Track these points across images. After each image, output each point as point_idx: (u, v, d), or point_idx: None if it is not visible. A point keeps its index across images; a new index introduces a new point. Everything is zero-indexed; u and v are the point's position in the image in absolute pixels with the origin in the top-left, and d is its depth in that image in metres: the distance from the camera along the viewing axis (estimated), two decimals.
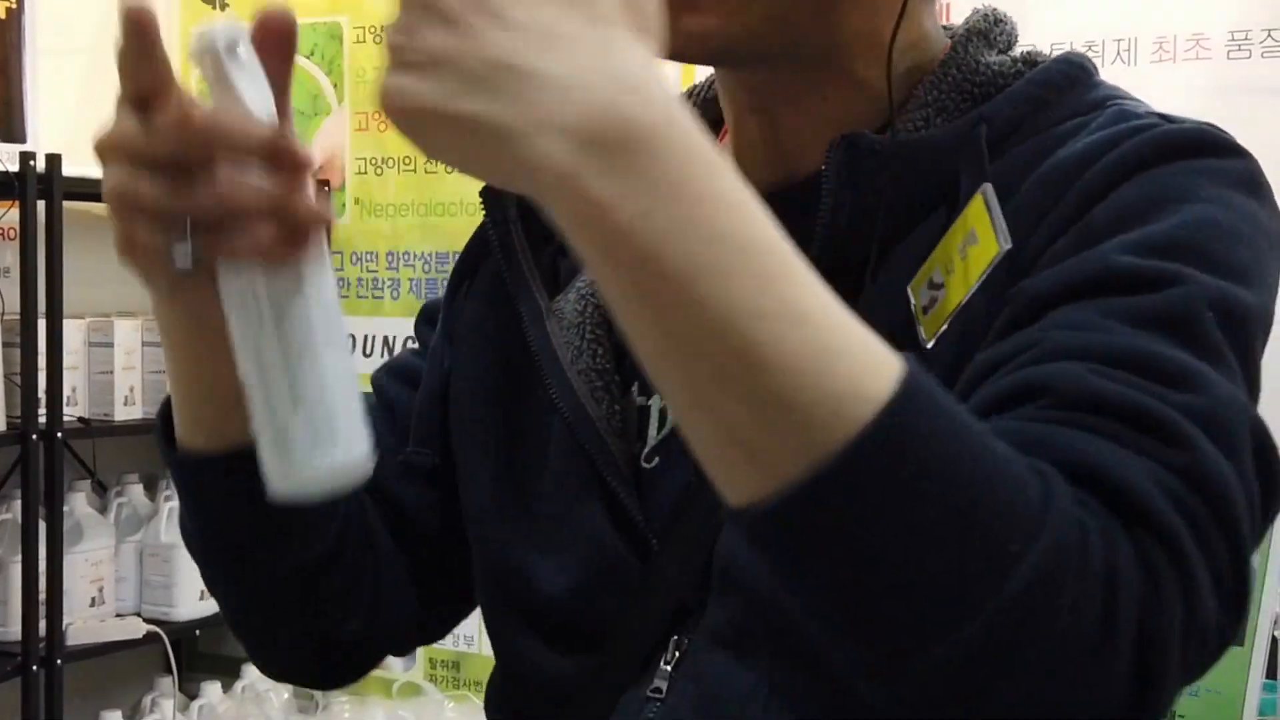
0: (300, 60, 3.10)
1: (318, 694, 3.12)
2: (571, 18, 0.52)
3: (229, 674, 3.10)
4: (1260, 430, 0.61)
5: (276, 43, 0.64)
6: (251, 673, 3.10)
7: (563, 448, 0.75)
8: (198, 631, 3.03)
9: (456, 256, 0.91)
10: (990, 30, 0.78)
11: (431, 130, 0.52)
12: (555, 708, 0.77)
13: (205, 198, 0.60)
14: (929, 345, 0.67)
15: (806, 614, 0.55)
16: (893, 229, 0.71)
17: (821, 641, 0.56)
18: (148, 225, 0.62)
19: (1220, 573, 0.57)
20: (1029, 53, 0.77)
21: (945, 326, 0.66)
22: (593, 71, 0.51)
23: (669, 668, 0.73)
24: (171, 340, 0.71)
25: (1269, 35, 2.60)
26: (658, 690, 0.73)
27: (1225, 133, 0.70)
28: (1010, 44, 0.79)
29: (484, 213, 0.83)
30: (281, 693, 3.13)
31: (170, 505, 2.94)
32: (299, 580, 0.79)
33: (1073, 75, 0.75)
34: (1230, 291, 0.62)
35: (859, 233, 0.70)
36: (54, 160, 2.68)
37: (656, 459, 0.76)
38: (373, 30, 3.26)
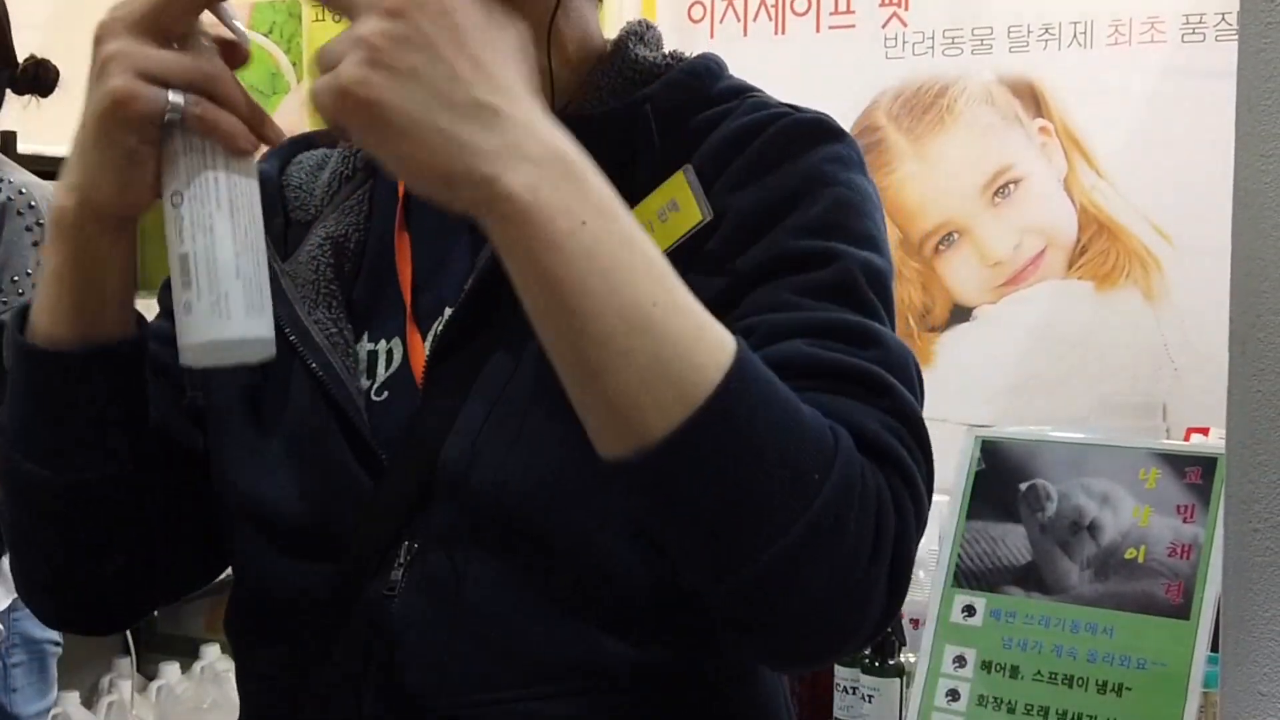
0: (259, 38, 3.10)
1: None
2: (521, 78, 0.69)
3: (187, 655, 3.09)
4: (913, 355, 0.82)
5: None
6: (210, 653, 3.09)
7: (302, 387, 0.87)
8: (155, 612, 3.02)
9: None
10: (645, 33, 0.95)
11: (394, 132, 0.64)
12: (301, 613, 0.87)
13: (209, 68, 0.74)
14: None
15: (667, 534, 0.73)
16: None
17: (678, 551, 0.73)
18: (150, 82, 0.74)
19: (926, 480, 0.77)
20: (675, 51, 0.94)
21: None
22: (540, 118, 0.68)
23: (402, 567, 0.84)
24: (89, 223, 0.80)
25: (1222, 19, 2.63)
26: (393, 587, 0.84)
27: (834, 120, 0.89)
28: (660, 44, 0.96)
29: None
30: None
31: None
32: (99, 487, 0.87)
33: (711, 69, 0.92)
34: (870, 259, 0.82)
35: None
36: (9, 137, 2.66)
37: (386, 393, 0.88)
38: None
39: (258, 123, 0.75)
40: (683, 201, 0.81)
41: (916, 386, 0.81)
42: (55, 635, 2.37)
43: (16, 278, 2.13)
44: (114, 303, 0.83)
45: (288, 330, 0.89)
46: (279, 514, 0.88)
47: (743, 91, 0.91)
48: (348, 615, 0.85)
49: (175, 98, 0.73)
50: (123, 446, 0.87)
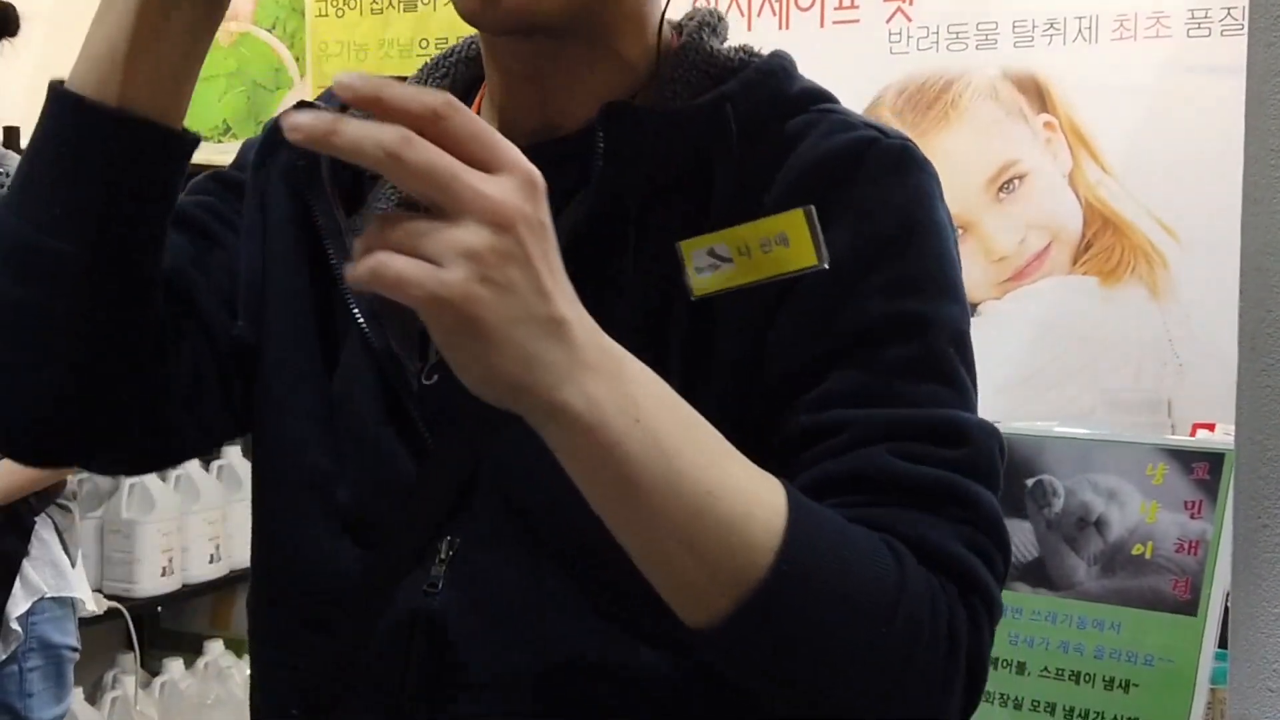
0: (261, 33, 3.09)
1: None
2: (577, 301, 0.68)
3: (191, 650, 3.09)
4: (996, 433, 0.83)
5: None
6: (214, 649, 3.10)
7: (355, 356, 0.83)
8: (159, 608, 3.02)
9: None
10: (716, 24, 0.94)
11: (480, 345, 0.64)
12: (335, 600, 0.85)
13: None
14: (694, 298, 0.81)
15: (747, 686, 0.76)
16: (651, 189, 0.84)
17: (764, 700, 0.77)
18: None
19: (1000, 575, 0.79)
20: (745, 46, 0.92)
21: (720, 291, 0.81)
22: (591, 323, 0.68)
23: (443, 564, 0.82)
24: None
25: (1228, 14, 2.62)
26: (434, 584, 0.82)
27: (915, 145, 0.89)
28: (727, 35, 0.94)
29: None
30: (244, 669, 3.13)
31: (130, 482, 2.93)
32: (73, 264, 0.82)
33: (786, 68, 0.90)
34: (955, 317, 0.83)
35: (624, 187, 0.82)
36: (12, 133, 2.66)
37: (436, 376, 0.85)
38: (335, 3, 3.24)
39: None
40: (795, 240, 0.79)
41: (998, 466, 0.83)
42: (73, 640, 2.36)
43: None
44: (166, 83, 0.80)
45: (348, 296, 0.87)
46: (323, 487, 0.86)
47: (819, 99, 0.89)
48: (383, 611, 0.83)
49: None
50: (114, 235, 0.82)
